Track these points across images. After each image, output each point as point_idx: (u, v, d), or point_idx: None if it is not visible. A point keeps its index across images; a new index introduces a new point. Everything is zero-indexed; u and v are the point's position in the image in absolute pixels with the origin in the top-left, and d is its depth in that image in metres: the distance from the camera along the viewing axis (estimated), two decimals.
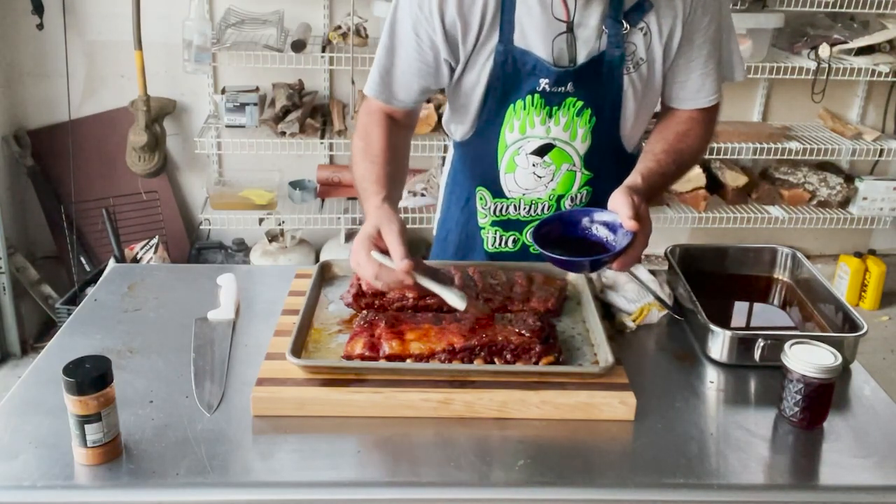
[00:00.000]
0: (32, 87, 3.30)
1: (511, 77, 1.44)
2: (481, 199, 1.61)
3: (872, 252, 3.79)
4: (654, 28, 1.42)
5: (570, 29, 1.40)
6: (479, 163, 1.58)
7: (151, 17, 3.10)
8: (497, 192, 1.58)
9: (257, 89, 3.24)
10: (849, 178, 3.51)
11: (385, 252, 1.24)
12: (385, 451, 1.11)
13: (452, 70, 1.47)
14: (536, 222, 1.49)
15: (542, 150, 1.50)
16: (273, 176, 3.31)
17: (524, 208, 1.57)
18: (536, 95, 1.45)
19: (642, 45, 1.43)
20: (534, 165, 1.51)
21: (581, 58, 1.42)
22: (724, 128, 3.34)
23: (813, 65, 3.20)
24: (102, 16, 3.21)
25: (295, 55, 3.03)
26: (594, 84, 1.44)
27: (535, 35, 1.41)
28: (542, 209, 1.57)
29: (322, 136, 3.18)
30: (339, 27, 3.12)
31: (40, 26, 3.12)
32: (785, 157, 3.35)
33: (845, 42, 3.21)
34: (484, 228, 1.64)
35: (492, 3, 1.39)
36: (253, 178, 3.33)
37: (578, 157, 1.51)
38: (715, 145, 3.28)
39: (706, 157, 3.36)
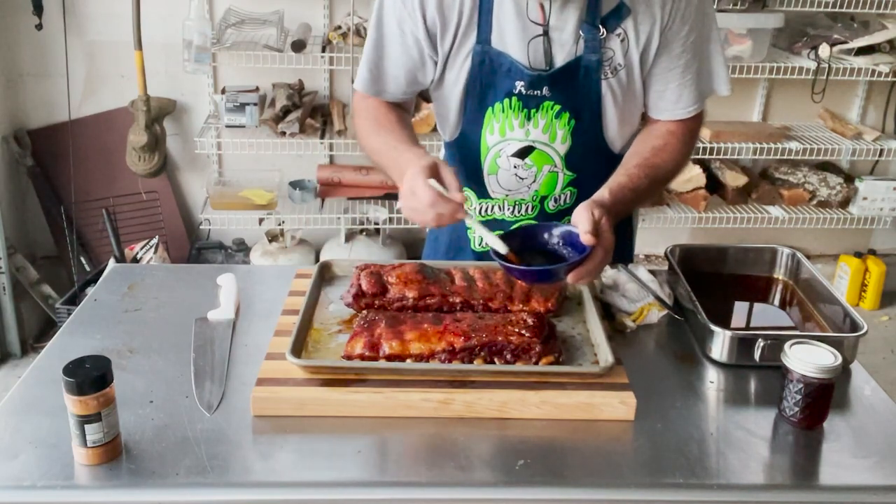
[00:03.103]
0: (32, 87, 3.30)
1: (488, 78, 1.45)
2: (467, 199, 1.62)
3: (872, 252, 3.79)
4: (632, 34, 1.42)
5: (546, 32, 1.40)
6: (463, 163, 1.59)
7: (151, 17, 3.10)
8: (482, 193, 1.59)
9: (257, 89, 3.24)
10: (849, 178, 3.51)
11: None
12: (385, 451, 1.11)
13: (436, 66, 1.49)
14: (520, 223, 1.50)
15: (523, 153, 1.51)
16: (273, 176, 3.31)
17: (508, 209, 1.58)
18: (514, 98, 1.45)
19: (620, 51, 1.43)
20: (515, 167, 1.52)
21: (558, 62, 1.43)
22: (724, 128, 3.34)
23: (813, 65, 3.21)
24: (102, 16, 3.22)
25: (295, 55, 3.03)
26: (571, 88, 1.45)
27: (511, 37, 1.42)
28: (527, 209, 1.57)
29: (322, 136, 3.18)
30: (339, 27, 3.12)
31: (39, 26, 3.12)
32: (785, 157, 3.35)
33: (845, 42, 3.21)
34: (470, 228, 1.64)
35: (468, 2, 1.40)
36: (253, 178, 3.33)
37: (559, 158, 1.51)
38: (715, 145, 3.28)
39: (706, 157, 3.36)
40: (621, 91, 1.46)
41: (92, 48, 3.27)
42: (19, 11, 3.15)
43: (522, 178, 1.53)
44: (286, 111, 3.14)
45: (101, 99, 3.33)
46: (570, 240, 1.29)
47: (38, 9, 3.10)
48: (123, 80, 3.28)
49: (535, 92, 1.44)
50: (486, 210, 1.60)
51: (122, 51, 3.17)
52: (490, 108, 1.48)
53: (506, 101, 1.46)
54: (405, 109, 1.60)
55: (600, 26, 1.40)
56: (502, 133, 1.50)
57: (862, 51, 3.22)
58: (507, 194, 1.56)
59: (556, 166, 1.52)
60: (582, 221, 1.23)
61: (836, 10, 3.21)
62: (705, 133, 3.30)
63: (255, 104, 3.14)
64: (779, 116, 3.59)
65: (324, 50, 3.11)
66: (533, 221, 1.56)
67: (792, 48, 3.34)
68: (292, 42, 3.01)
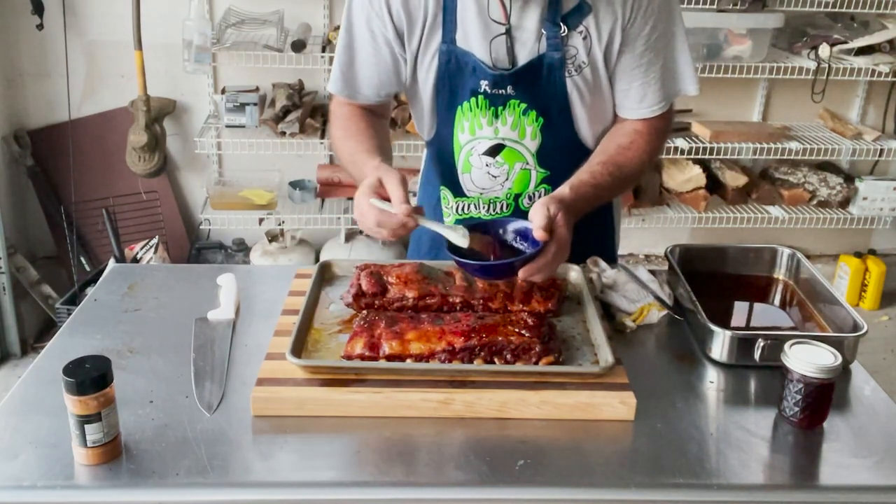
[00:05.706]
0: (32, 87, 3.30)
1: (455, 77, 1.46)
2: (444, 198, 1.63)
3: (872, 252, 3.79)
4: (594, 32, 1.42)
5: (508, 31, 1.41)
6: (441, 162, 1.60)
7: (151, 17, 3.10)
8: (458, 192, 1.60)
9: (257, 89, 3.24)
10: (849, 178, 3.51)
11: (386, 200, 1.25)
12: (385, 451, 1.11)
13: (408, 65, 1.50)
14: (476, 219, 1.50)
15: (494, 151, 1.51)
16: (273, 176, 3.31)
17: (484, 207, 1.58)
18: (480, 97, 1.46)
19: (583, 49, 1.43)
20: (487, 165, 1.53)
21: (520, 60, 1.43)
22: (724, 128, 3.34)
23: (813, 65, 3.21)
24: (102, 16, 3.22)
25: (295, 55, 3.03)
26: (535, 86, 1.45)
27: (474, 36, 1.42)
28: (501, 208, 1.58)
29: (322, 136, 3.18)
30: (339, 27, 3.12)
31: (40, 26, 3.12)
32: (785, 157, 3.36)
33: (845, 42, 3.21)
34: None
35: (432, 1, 1.41)
36: (253, 178, 3.33)
37: (531, 155, 1.51)
38: (715, 145, 3.28)
39: (706, 157, 3.36)
40: (587, 88, 1.46)
41: (92, 48, 3.27)
42: (19, 11, 3.15)
43: (495, 176, 1.53)
44: (286, 111, 3.14)
45: (101, 99, 3.33)
46: (526, 235, 1.29)
47: (39, 9, 3.10)
48: (123, 80, 3.28)
49: (500, 91, 1.45)
50: (462, 209, 1.60)
51: (122, 51, 3.17)
52: (459, 107, 1.49)
53: (472, 99, 1.47)
54: (380, 115, 1.59)
55: (561, 24, 1.40)
56: (472, 132, 1.50)
57: (862, 51, 3.22)
58: (482, 193, 1.57)
59: (528, 164, 1.52)
60: (536, 217, 1.24)
61: (836, 10, 3.21)
62: (705, 133, 3.30)
63: (255, 104, 3.14)
64: (779, 116, 3.59)
65: (324, 50, 3.11)
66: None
67: (792, 48, 3.34)
68: (292, 42, 3.01)
